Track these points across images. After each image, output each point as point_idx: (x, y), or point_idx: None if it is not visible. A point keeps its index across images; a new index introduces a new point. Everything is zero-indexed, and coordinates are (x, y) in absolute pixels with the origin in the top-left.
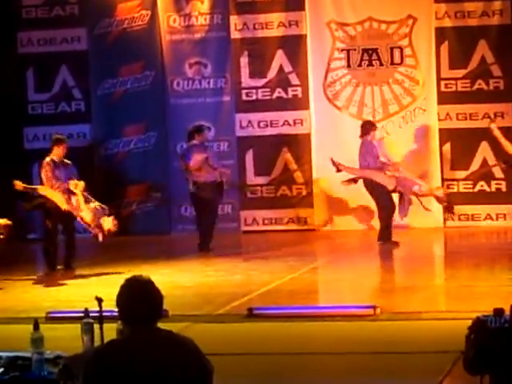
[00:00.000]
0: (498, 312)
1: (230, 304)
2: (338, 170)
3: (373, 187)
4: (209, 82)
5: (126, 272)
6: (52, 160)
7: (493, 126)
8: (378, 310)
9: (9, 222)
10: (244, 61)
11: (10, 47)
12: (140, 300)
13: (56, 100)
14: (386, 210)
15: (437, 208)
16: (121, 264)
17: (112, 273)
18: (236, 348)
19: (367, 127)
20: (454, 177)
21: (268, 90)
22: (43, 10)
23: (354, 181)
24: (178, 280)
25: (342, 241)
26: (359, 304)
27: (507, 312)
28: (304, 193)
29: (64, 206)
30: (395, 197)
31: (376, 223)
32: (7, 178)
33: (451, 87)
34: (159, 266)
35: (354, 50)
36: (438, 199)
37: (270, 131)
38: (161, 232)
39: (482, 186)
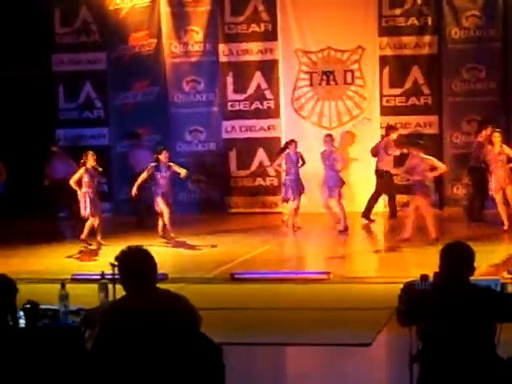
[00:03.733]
0: (424, 278)
1: (216, 269)
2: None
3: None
4: (201, 96)
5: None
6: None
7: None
8: (331, 275)
9: None
10: (229, 79)
11: (46, 66)
12: (136, 263)
13: (81, 108)
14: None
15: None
16: (132, 240)
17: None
18: (221, 304)
19: (388, 130)
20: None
21: (248, 102)
22: (71, 37)
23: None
24: (176, 250)
25: (305, 221)
26: (316, 270)
27: (431, 278)
28: (275, 183)
29: None
30: None
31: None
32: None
33: (391, 102)
34: (162, 239)
35: (316, 72)
36: None
37: (249, 135)
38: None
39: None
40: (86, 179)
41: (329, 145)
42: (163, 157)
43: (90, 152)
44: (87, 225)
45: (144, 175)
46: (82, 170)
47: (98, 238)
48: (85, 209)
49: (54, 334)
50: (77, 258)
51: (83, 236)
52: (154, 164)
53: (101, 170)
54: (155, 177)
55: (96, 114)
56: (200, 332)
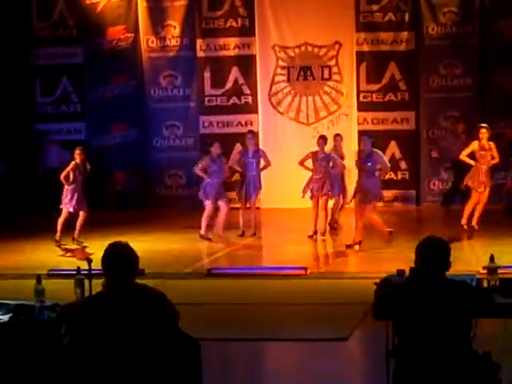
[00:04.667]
0: (400, 272)
1: (193, 265)
2: None
3: None
4: (179, 91)
5: (114, 239)
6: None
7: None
8: (308, 271)
9: None
10: (207, 74)
11: (23, 60)
12: (119, 259)
13: (57, 103)
14: None
15: None
16: (109, 234)
17: (101, 240)
18: (198, 299)
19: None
20: None
21: (225, 97)
22: (48, 31)
23: None
24: (154, 245)
25: (283, 216)
26: (294, 266)
27: (407, 273)
28: None
29: None
30: None
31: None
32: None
33: (368, 98)
34: (138, 235)
35: (293, 67)
36: None
37: (226, 130)
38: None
39: (390, 174)
40: (75, 175)
41: (322, 147)
42: (214, 149)
43: (78, 148)
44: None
45: (200, 167)
46: (71, 166)
47: (75, 235)
48: (69, 204)
49: (29, 329)
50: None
51: (75, 235)
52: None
53: (89, 167)
54: (208, 170)
55: (72, 109)
56: (178, 328)
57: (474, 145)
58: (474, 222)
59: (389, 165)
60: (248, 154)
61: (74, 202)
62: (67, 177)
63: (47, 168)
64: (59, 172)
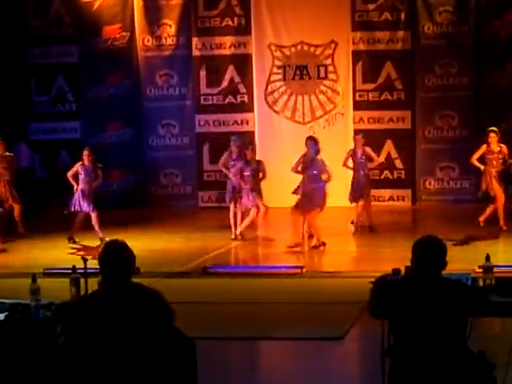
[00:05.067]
0: (396, 271)
1: (189, 264)
2: None
3: None
4: (175, 90)
5: (110, 238)
6: None
7: None
8: (304, 270)
9: None
10: (202, 73)
11: (18, 59)
12: (116, 258)
13: (53, 102)
14: None
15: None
16: (105, 232)
17: (97, 239)
18: (193, 298)
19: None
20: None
21: (221, 96)
22: (44, 30)
23: None
24: (150, 244)
25: (278, 215)
26: (289, 265)
27: (403, 272)
28: None
29: None
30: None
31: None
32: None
33: (364, 97)
34: (134, 234)
35: (289, 66)
36: None
37: (222, 129)
38: (134, 207)
39: (386, 174)
40: (81, 175)
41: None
42: (249, 153)
43: (86, 149)
44: (78, 221)
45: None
46: (77, 165)
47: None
48: (74, 205)
49: (25, 328)
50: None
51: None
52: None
53: (100, 166)
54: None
55: (68, 108)
56: (173, 327)
57: (483, 148)
58: (501, 223)
59: (331, 173)
60: (232, 156)
61: (77, 202)
62: (74, 176)
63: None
64: (28, 172)
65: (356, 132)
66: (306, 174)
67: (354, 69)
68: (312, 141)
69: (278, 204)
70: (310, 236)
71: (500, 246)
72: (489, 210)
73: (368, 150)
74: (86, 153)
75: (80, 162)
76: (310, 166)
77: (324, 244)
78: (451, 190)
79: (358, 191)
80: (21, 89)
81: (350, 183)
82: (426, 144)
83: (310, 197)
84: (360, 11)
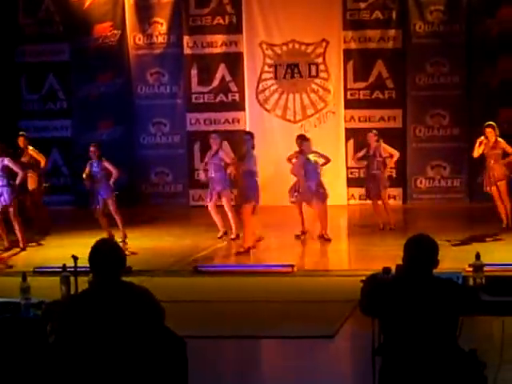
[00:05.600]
0: (387, 270)
1: (179, 262)
2: None
3: None
4: (166, 88)
5: (100, 237)
6: None
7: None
8: (295, 268)
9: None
10: (194, 72)
11: (9, 58)
12: (106, 257)
13: (44, 100)
14: None
15: (342, 188)
16: (96, 231)
17: (87, 237)
18: (184, 297)
19: None
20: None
21: (212, 95)
22: (35, 28)
23: None
24: (140, 243)
25: (269, 214)
26: (280, 263)
27: (393, 270)
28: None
29: None
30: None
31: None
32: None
33: (355, 96)
34: (126, 232)
35: (280, 65)
36: None
37: (213, 127)
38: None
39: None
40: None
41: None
42: (306, 148)
43: (92, 144)
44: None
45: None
46: (87, 164)
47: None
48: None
49: (15, 327)
50: None
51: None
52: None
53: (103, 160)
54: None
55: (59, 106)
56: (163, 325)
57: (482, 141)
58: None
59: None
60: (210, 154)
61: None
62: (89, 176)
63: None
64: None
65: (347, 130)
66: (243, 169)
67: (346, 67)
68: (248, 135)
69: (268, 202)
70: (303, 233)
71: (490, 245)
72: (501, 209)
73: (383, 146)
74: (91, 149)
75: (88, 161)
76: (246, 161)
77: (248, 250)
78: (442, 188)
79: (369, 189)
80: (11, 87)
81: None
82: (417, 143)
83: (244, 191)
84: (351, 10)
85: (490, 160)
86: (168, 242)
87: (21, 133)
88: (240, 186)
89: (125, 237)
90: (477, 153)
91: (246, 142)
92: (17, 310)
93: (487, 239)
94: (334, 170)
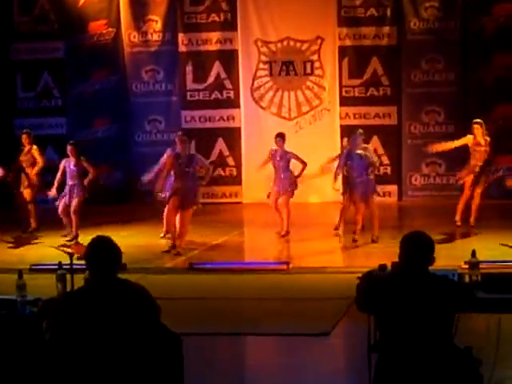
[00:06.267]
0: (382, 267)
1: (175, 259)
2: None
3: None
4: (161, 85)
5: (96, 233)
6: None
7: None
8: (290, 266)
9: None
10: (189, 69)
11: (3, 55)
12: (102, 253)
13: (39, 97)
14: None
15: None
16: (91, 228)
17: (83, 235)
18: (179, 294)
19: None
20: None
21: (207, 92)
22: (30, 26)
23: None
24: (135, 240)
25: (263, 211)
26: (275, 260)
27: (389, 267)
28: (234, 173)
29: None
30: None
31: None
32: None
33: (350, 93)
34: (120, 229)
35: (275, 62)
36: None
37: (208, 125)
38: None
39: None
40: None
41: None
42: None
43: (70, 143)
44: None
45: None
46: (63, 162)
47: None
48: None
49: (11, 324)
50: None
51: None
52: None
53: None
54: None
55: (54, 103)
56: (159, 322)
57: (470, 139)
58: (471, 219)
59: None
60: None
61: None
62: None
63: None
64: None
65: (342, 127)
66: (183, 171)
67: (340, 64)
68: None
69: (263, 199)
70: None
71: (485, 243)
72: (462, 204)
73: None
74: (69, 148)
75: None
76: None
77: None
78: (438, 185)
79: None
80: (6, 85)
81: None
82: (413, 140)
83: (187, 195)
84: (346, 7)
85: (475, 157)
86: (163, 239)
87: (24, 130)
88: (180, 189)
89: (75, 237)
90: (454, 144)
91: (184, 144)
92: (13, 307)
93: (481, 236)
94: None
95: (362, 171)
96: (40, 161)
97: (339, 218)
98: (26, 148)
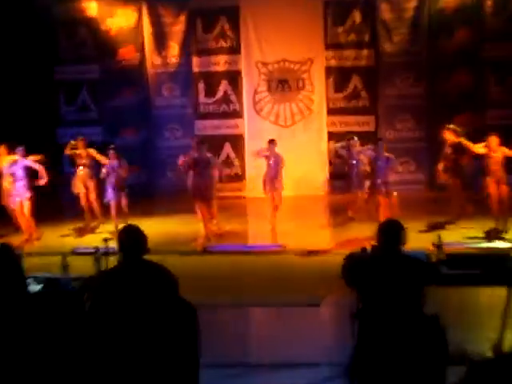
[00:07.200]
0: (363, 249)
1: (191, 243)
2: None
3: None
4: (178, 100)
5: (125, 223)
6: None
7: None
8: (286, 248)
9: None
10: (201, 86)
11: (49, 76)
12: (131, 239)
13: (78, 111)
14: None
15: (324, 180)
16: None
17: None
18: (195, 273)
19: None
20: None
21: (216, 105)
22: (71, 51)
23: None
24: (157, 228)
25: (263, 204)
26: (273, 243)
27: (369, 250)
28: (239, 172)
29: None
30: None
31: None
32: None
33: (335, 104)
34: (146, 220)
35: (273, 80)
36: None
37: (217, 132)
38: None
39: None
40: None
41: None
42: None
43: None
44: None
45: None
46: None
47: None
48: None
49: (57, 298)
50: None
51: None
52: None
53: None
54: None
55: (91, 116)
56: (178, 295)
57: (483, 150)
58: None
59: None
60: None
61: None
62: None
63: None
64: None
65: (329, 133)
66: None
67: (327, 81)
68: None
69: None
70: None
71: (451, 227)
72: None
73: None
74: (111, 152)
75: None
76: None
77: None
78: (408, 181)
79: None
80: (51, 101)
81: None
82: (388, 143)
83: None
84: (331, 33)
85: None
86: (181, 226)
87: (80, 137)
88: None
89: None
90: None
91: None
92: (58, 284)
93: (447, 223)
94: (318, 165)
95: (387, 172)
96: (102, 159)
97: (356, 206)
98: (83, 152)
